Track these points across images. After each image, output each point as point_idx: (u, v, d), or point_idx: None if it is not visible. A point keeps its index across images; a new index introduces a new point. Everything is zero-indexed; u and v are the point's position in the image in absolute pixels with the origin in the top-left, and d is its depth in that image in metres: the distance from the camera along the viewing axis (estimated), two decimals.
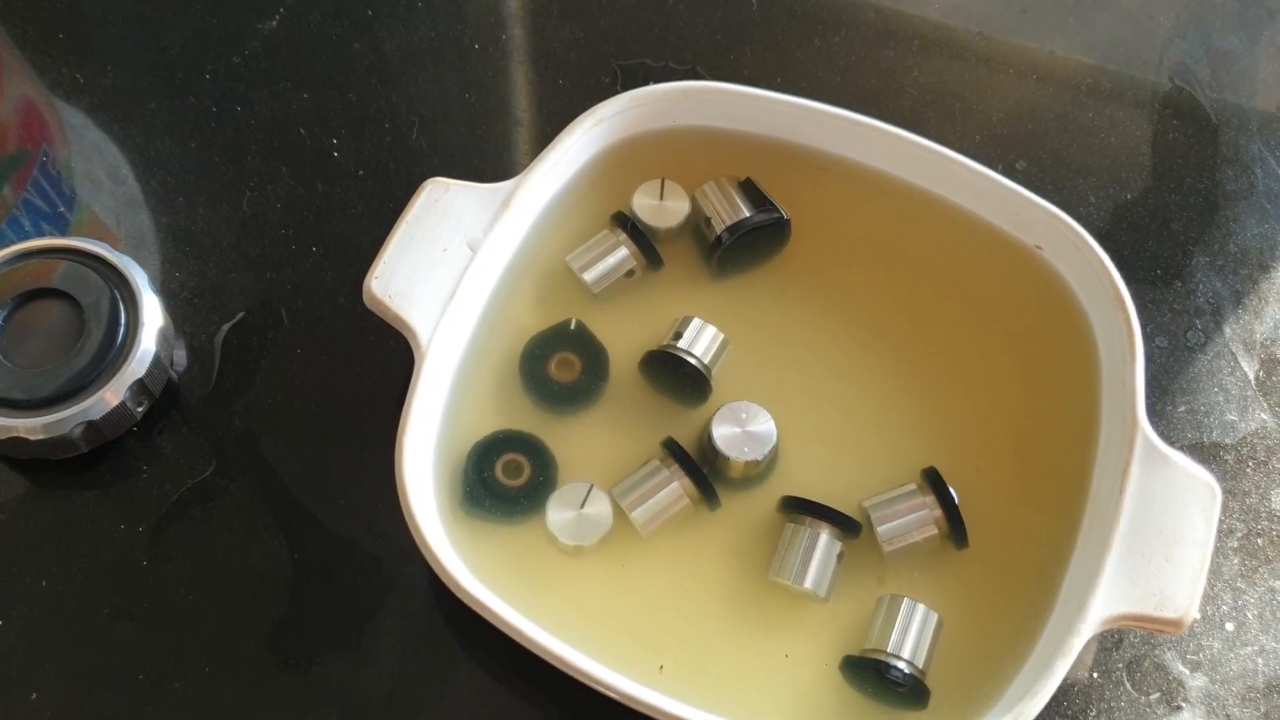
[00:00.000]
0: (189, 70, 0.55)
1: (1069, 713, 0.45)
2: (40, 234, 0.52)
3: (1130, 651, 0.46)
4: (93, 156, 0.53)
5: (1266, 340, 0.51)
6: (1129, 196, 0.54)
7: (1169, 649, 0.46)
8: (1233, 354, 0.51)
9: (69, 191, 0.54)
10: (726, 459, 0.45)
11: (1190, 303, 0.52)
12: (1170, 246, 0.53)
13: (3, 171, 0.54)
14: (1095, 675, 0.45)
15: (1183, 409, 0.50)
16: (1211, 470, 0.44)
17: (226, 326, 0.50)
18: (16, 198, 0.53)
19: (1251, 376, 0.50)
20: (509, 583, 0.43)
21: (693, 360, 0.46)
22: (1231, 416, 0.50)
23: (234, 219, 0.51)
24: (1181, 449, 0.46)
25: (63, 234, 0.52)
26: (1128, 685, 0.45)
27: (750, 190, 0.49)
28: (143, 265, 0.48)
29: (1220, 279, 0.52)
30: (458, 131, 0.54)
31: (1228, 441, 0.49)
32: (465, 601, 0.41)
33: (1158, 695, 0.45)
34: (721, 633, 0.43)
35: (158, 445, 0.47)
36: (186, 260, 0.51)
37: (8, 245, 0.51)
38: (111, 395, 0.45)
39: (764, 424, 0.45)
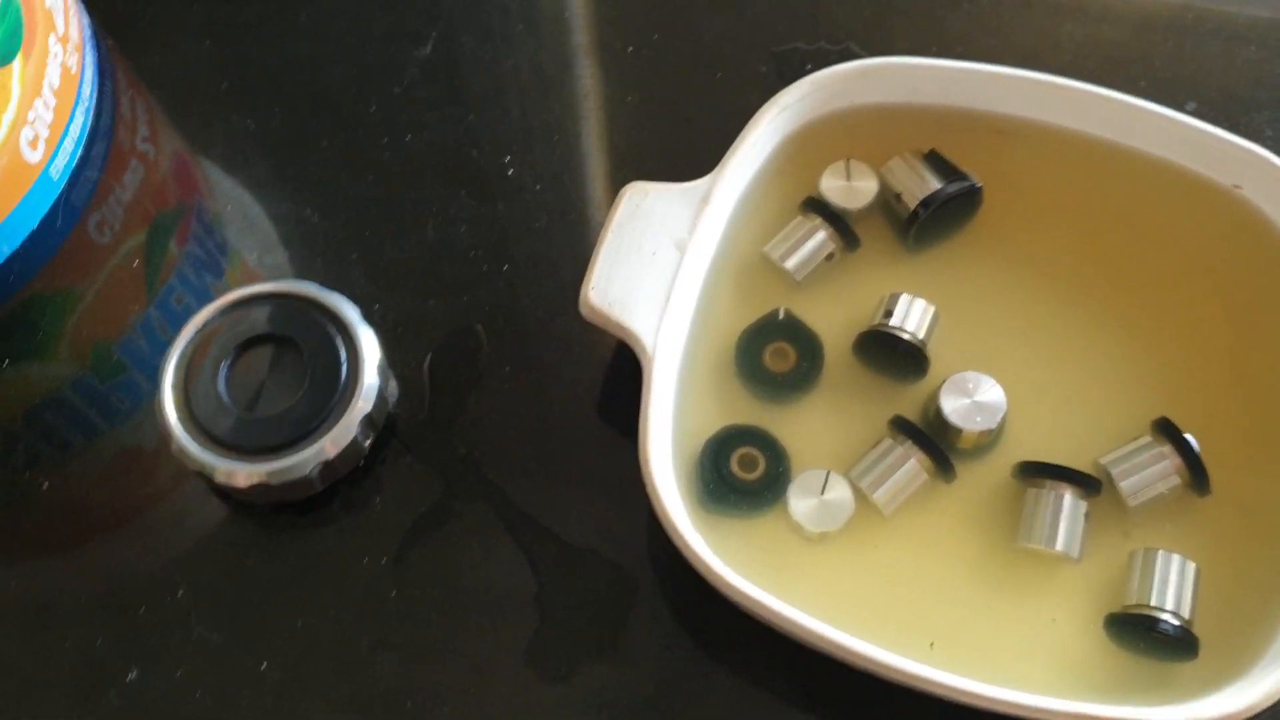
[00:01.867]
0: (354, 105, 0.55)
1: None
2: (202, 284, 0.53)
3: None
4: (261, 203, 0.54)
5: None
6: None
7: None
8: None
9: (222, 240, 0.54)
10: (959, 431, 0.45)
11: None
12: None
13: (168, 226, 0.55)
14: None
15: None
16: None
17: (430, 354, 0.50)
18: (180, 251, 0.54)
19: None
20: (761, 575, 0.43)
21: (907, 336, 0.46)
22: None
23: (422, 246, 0.52)
24: None
25: (220, 280, 0.53)
26: None
27: (936, 161, 0.49)
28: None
29: None
30: (625, 135, 0.55)
31: None
32: (731, 596, 0.41)
33: None
34: (979, 604, 0.43)
35: (385, 476, 0.48)
36: (382, 292, 0.51)
37: (173, 296, 0.52)
38: (344, 433, 0.46)
39: (992, 392, 0.45)
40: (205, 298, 0.52)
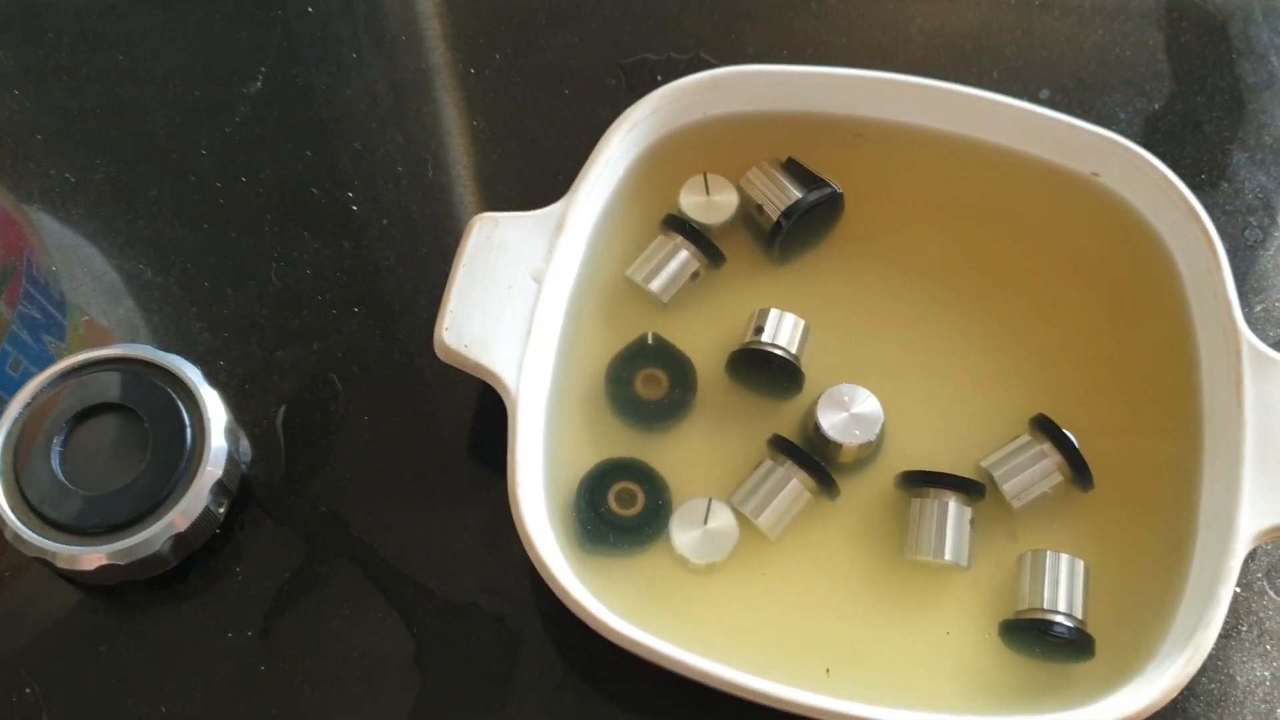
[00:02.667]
0: (182, 149, 0.52)
1: (1221, 632, 0.44)
2: (40, 345, 0.50)
3: (1265, 559, 0.45)
4: (93, 257, 0.50)
5: None
6: (1156, 106, 0.54)
7: None
8: None
9: (59, 296, 0.51)
10: (839, 445, 0.44)
11: (1240, 201, 0.52)
12: (1208, 149, 0.53)
13: None
14: (1238, 589, 0.45)
15: (1259, 309, 0.50)
16: None
17: (283, 408, 0.47)
18: (11, 312, 0.51)
19: None
20: (649, 613, 0.41)
21: (780, 352, 0.45)
22: None
23: (266, 294, 0.49)
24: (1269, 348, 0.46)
25: (60, 341, 0.50)
26: (1271, 593, 0.45)
27: (795, 169, 0.48)
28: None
29: (1264, 172, 0.52)
30: (474, 161, 0.52)
31: None
32: (617, 642, 0.39)
33: None
34: (873, 622, 0.42)
35: (244, 543, 0.45)
36: (226, 347, 0.48)
37: (9, 362, 0.49)
38: (194, 502, 0.43)
39: (869, 404, 0.44)
40: (44, 360, 0.49)
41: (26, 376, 0.48)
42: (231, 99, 0.53)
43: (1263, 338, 0.49)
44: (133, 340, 0.48)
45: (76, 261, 0.50)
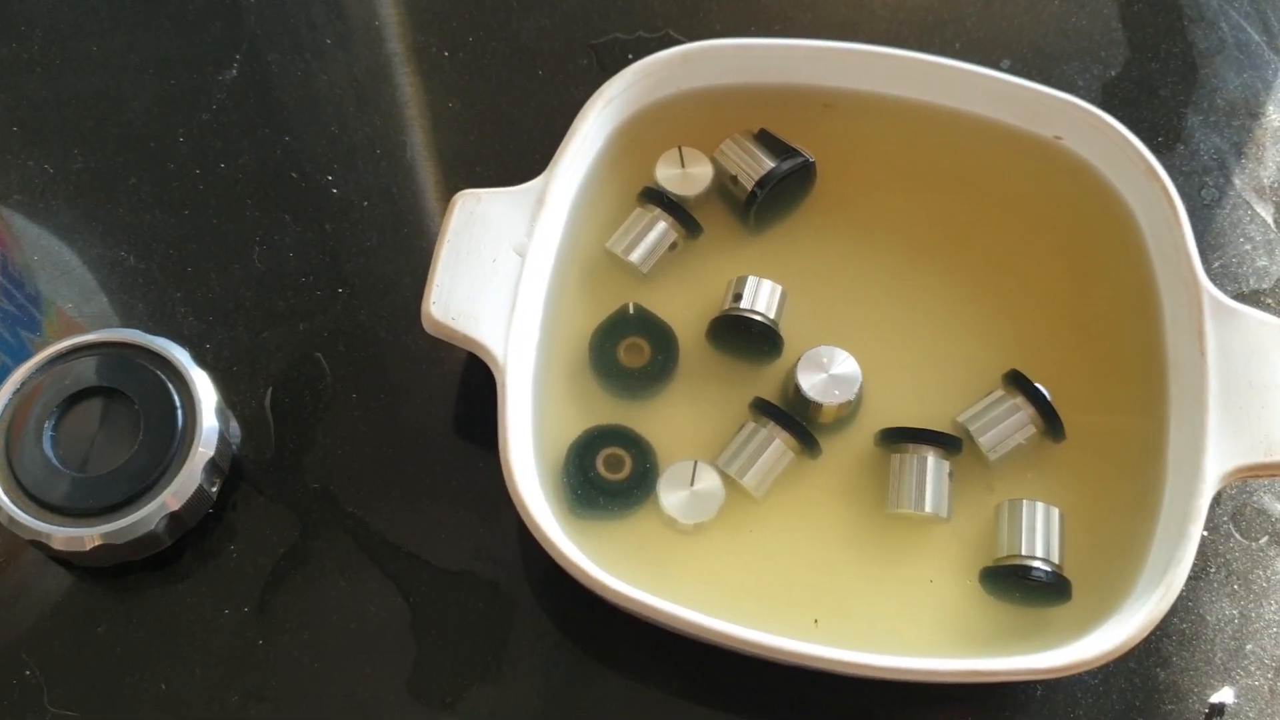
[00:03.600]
0: (160, 137, 0.52)
1: (1190, 574, 0.45)
2: (17, 340, 0.50)
3: (1230, 504, 0.47)
4: (75, 246, 0.51)
5: (1275, 183, 0.53)
6: (1113, 73, 0.55)
7: (1265, 492, 0.47)
8: (1247, 203, 0.52)
9: (34, 291, 0.51)
10: (819, 405, 0.45)
11: (1196, 163, 0.53)
12: (1164, 113, 0.54)
13: None
14: (1205, 533, 0.46)
15: (1216, 265, 0.51)
16: None
17: (271, 389, 0.48)
18: None
19: (1270, 220, 0.52)
20: (640, 574, 0.42)
21: (759, 317, 0.46)
22: (1262, 262, 0.51)
23: (250, 277, 0.50)
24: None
25: (36, 334, 0.50)
26: (1237, 535, 0.47)
27: (768, 140, 0.49)
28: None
29: (1217, 134, 0.54)
30: (450, 141, 0.53)
31: (1265, 286, 0.51)
32: (609, 598, 0.40)
33: (1266, 539, 0.47)
34: (858, 574, 0.43)
35: (237, 522, 0.46)
36: (212, 330, 0.49)
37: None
38: (187, 482, 0.43)
39: (847, 365, 0.45)
40: (21, 354, 0.49)
41: (6, 370, 0.48)
42: (207, 86, 0.53)
43: (1222, 292, 0.50)
44: (117, 328, 0.48)
45: (57, 250, 0.50)
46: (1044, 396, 0.45)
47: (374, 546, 0.45)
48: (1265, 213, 0.52)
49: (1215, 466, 0.42)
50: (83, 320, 0.50)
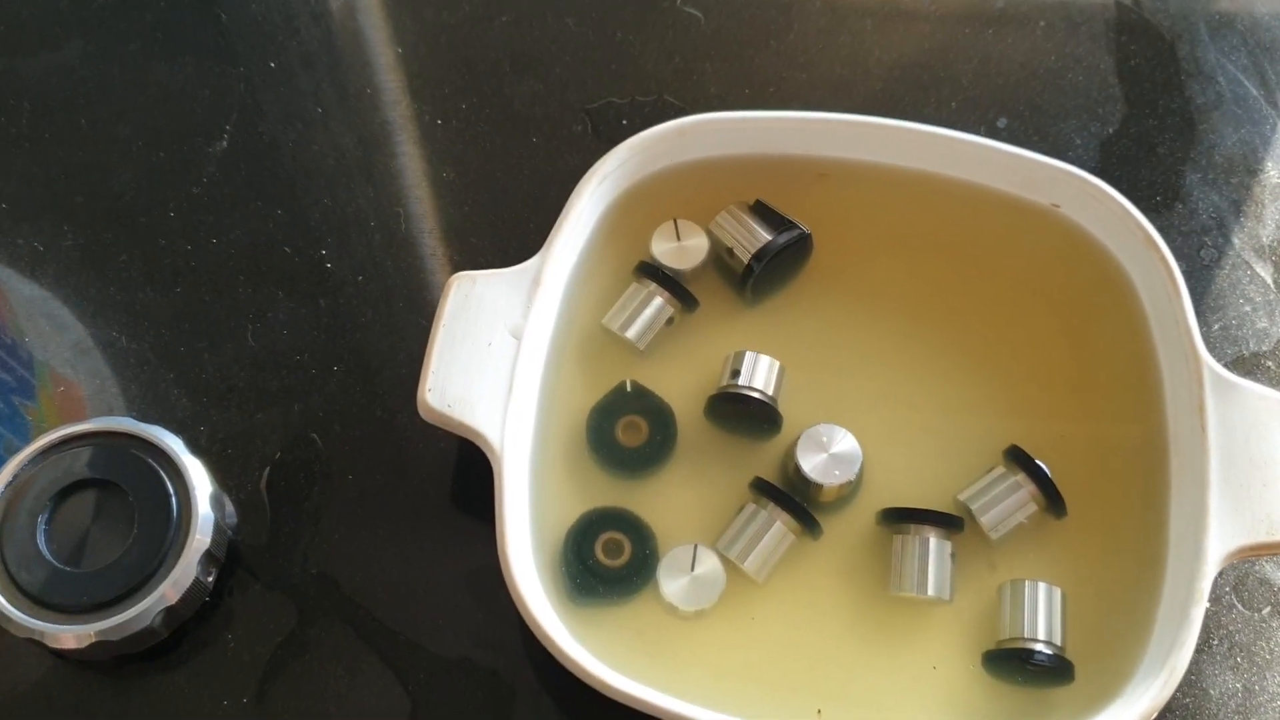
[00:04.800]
0: (150, 212, 0.52)
1: (1195, 646, 0.45)
2: (11, 408, 0.50)
3: (1232, 574, 0.47)
4: (65, 325, 0.50)
5: (1274, 242, 0.53)
6: (1110, 130, 0.55)
7: (1268, 562, 0.47)
8: (1247, 263, 0.52)
9: (27, 357, 0.51)
10: (819, 486, 0.44)
11: (1195, 222, 0.53)
12: (1162, 170, 0.54)
13: None
14: (1207, 604, 0.46)
15: (1216, 327, 0.51)
16: (1259, 380, 0.45)
17: (267, 471, 0.48)
18: None
19: (1270, 281, 0.52)
20: (640, 662, 0.42)
21: (757, 395, 0.46)
22: (1262, 324, 0.51)
23: (243, 356, 0.49)
24: (1226, 365, 0.47)
25: (31, 402, 0.50)
26: (1239, 606, 0.46)
27: (763, 211, 0.49)
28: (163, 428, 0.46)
29: (1216, 192, 0.54)
30: (445, 212, 0.53)
31: (1265, 349, 0.51)
32: (612, 696, 0.40)
33: (1269, 609, 0.46)
34: (861, 660, 0.43)
35: (234, 610, 0.45)
36: (206, 412, 0.48)
37: None
38: (184, 574, 0.43)
39: (847, 442, 0.45)
40: (19, 426, 0.49)
41: None
42: (197, 158, 0.53)
43: (1221, 355, 0.50)
44: (109, 409, 0.48)
45: (48, 330, 0.50)
46: (1045, 473, 0.44)
47: (371, 633, 0.45)
48: (1265, 273, 0.52)
49: (1217, 547, 0.42)
50: (79, 392, 0.49)
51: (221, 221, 0.52)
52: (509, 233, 0.52)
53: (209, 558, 0.44)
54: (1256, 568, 0.47)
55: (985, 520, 0.44)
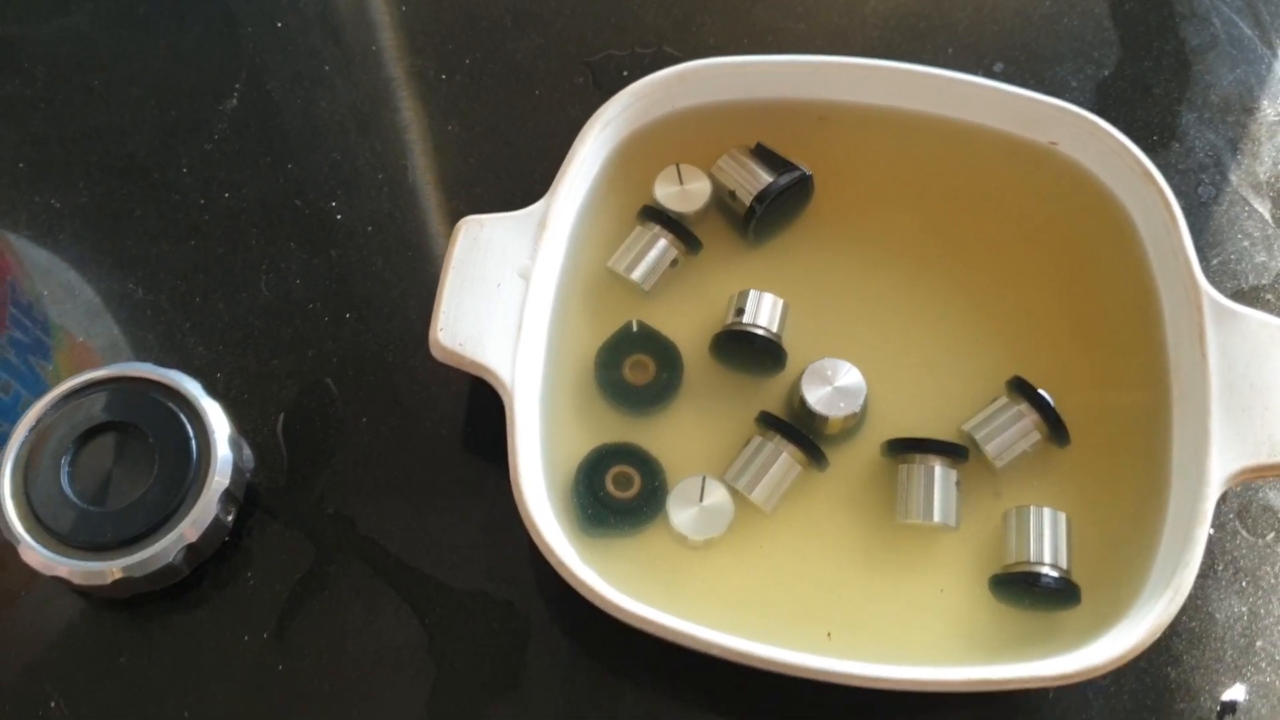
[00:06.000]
0: (164, 169, 0.53)
1: (1198, 572, 0.46)
2: (28, 368, 0.51)
3: (1236, 501, 0.48)
4: (82, 280, 0.51)
5: (1271, 178, 0.53)
6: (1106, 73, 0.55)
7: (1272, 489, 0.48)
8: (1244, 199, 0.53)
9: (43, 319, 0.52)
10: (825, 418, 0.45)
11: (1192, 160, 0.54)
12: (1158, 111, 0.55)
13: None
14: (1212, 530, 0.47)
15: (1215, 262, 0.52)
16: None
17: (282, 415, 0.48)
18: (0, 336, 0.51)
19: (1268, 216, 0.52)
20: (652, 591, 0.43)
21: (761, 331, 0.46)
22: (1260, 258, 0.52)
23: (257, 305, 0.50)
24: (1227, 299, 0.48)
25: (47, 362, 0.51)
26: (1244, 532, 0.47)
27: (764, 154, 0.49)
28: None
29: (1212, 131, 0.54)
30: (451, 164, 0.54)
31: (1264, 282, 0.51)
32: (622, 618, 0.41)
33: (1273, 535, 0.47)
34: (869, 586, 0.44)
35: (254, 549, 0.46)
36: (222, 360, 0.49)
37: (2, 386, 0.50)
38: (203, 513, 0.44)
39: (852, 376, 0.46)
40: (33, 381, 0.49)
41: (17, 399, 0.49)
42: (209, 117, 0.54)
43: (1221, 290, 0.50)
44: (127, 359, 0.49)
45: (64, 285, 0.51)
46: (1048, 402, 0.45)
47: (389, 570, 0.46)
48: (1262, 208, 0.53)
49: (1219, 469, 0.42)
50: (93, 350, 0.50)
51: (233, 177, 0.53)
52: (514, 183, 0.53)
53: (228, 497, 0.45)
54: (1260, 495, 0.48)
55: (990, 449, 0.45)
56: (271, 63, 0.55)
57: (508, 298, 0.45)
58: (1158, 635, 0.40)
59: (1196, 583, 0.45)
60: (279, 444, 0.48)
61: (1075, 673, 0.39)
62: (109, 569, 0.43)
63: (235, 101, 0.54)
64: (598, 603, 0.41)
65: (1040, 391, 0.45)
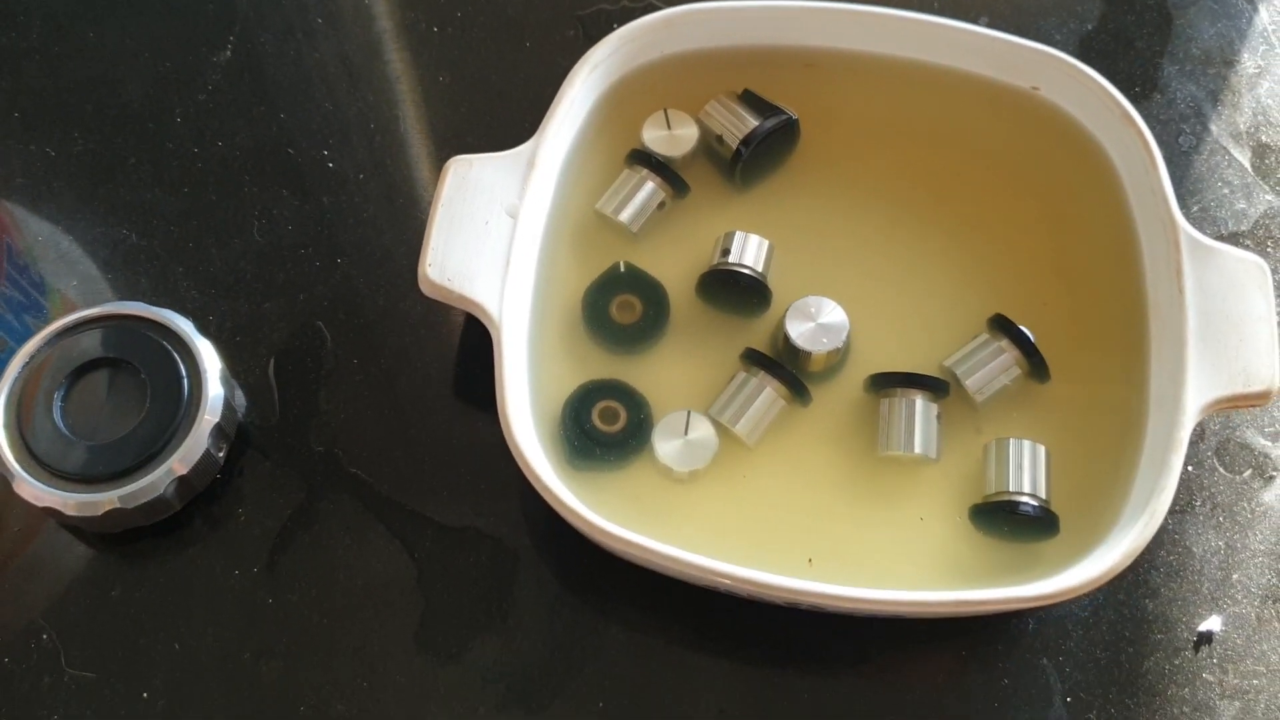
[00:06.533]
0: (158, 119, 0.53)
1: (1176, 508, 0.47)
2: (22, 325, 0.51)
3: (1214, 439, 0.48)
4: (78, 226, 0.52)
5: (1251, 128, 0.54)
6: (1089, 27, 0.56)
7: (1248, 427, 0.48)
8: (1224, 148, 0.53)
9: (37, 275, 0.52)
10: (808, 354, 0.46)
11: (1173, 110, 0.54)
12: (1140, 64, 0.55)
13: None
14: (1190, 468, 0.48)
15: (1195, 209, 0.52)
16: None
17: (274, 358, 0.49)
18: None
19: (1247, 164, 0.53)
20: (637, 522, 0.43)
21: (747, 271, 0.47)
22: (1240, 205, 0.52)
23: (250, 251, 0.51)
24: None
25: (40, 319, 0.51)
26: (1221, 469, 0.48)
27: (751, 100, 0.50)
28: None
29: (1193, 82, 0.55)
30: (442, 115, 0.54)
31: (1244, 229, 0.52)
32: (608, 543, 0.41)
33: (1250, 471, 0.48)
34: (850, 516, 0.44)
35: (245, 486, 0.47)
36: (214, 303, 0.50)
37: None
38: (194, 447, 0.44)
39: (835, 314, 0.46)
40: (27, 338, 0.50)
41: (10, 354, 0.50)
42: (202, 68, 0.55)
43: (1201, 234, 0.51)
44: (122, 299, 0.50)
45: (61, 232, 0.52)
46: (1028, 338, 0.46)
47: (378, 506, 0.46)
48: (1242, 157, 0.53)
49: (1195, 399, 0.43)
50: (86, 300, 0.51)
51: (226, 126, 0.53)
52: (504, 132, 0.53)
53: (219, 433, 0.45)
54: (1238, 433, 0.48)
55: (970, 383, 0.46)
56: (264, 15, 0.56)
57: (496, 235, 0.46)
58: (1133, 559, 0.41)
59: (1174, 518, 0.46)
60: (271, 385, 0.49)
61: (1051, 594, 0.40)
62: (101, 500, 0.44)
63: (229, 53, 0.55)
64: (584, 528, 0.41)
65: (1020, 327, 0.46)
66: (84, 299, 0.50)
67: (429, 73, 0.55)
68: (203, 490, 0.46)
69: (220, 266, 0.51)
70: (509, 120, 0.54)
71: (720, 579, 0.40)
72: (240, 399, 0.48)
